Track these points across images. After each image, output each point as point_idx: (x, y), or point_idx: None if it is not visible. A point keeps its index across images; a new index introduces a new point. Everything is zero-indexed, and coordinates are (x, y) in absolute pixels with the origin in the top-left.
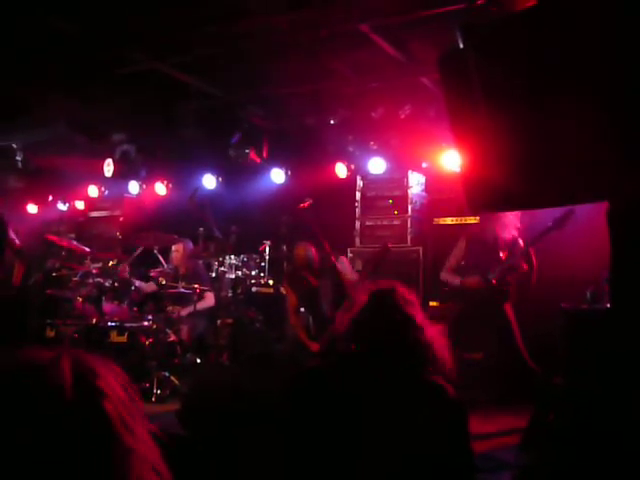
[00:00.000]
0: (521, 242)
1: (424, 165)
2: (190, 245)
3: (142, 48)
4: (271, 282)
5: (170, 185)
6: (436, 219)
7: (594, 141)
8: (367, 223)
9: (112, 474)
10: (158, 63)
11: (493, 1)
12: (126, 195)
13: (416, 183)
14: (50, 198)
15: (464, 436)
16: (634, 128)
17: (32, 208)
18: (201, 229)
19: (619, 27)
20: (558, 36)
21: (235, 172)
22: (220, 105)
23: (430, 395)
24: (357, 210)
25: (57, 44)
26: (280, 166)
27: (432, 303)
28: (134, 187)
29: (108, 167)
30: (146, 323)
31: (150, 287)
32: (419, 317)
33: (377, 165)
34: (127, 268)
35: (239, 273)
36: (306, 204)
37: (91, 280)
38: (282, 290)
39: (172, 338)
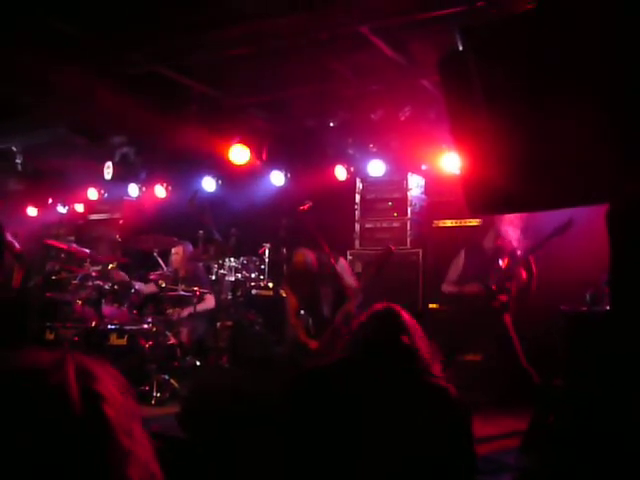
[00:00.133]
0: (520, 252)
1: (424, 167)
2: (190, 248)
3: (142, 51)
4: (271, 285)
5: (170, 188)
6: (436, 221)
7: (594, 141)
8: (367, 225)
9: (109, 477)
10: (158, 66)
11: (493, 3)
12: (126, 198)
13: (416, 185)
14: (50, 201)
15: (466, 437)
16: (634, 128)
17: (32, 211)
18: (201, 232)
19: (619, 27)
20: (558, 36)
21: (235, 175)
22: (220, 107)
23: (431, 396)
24: (357, 212)
25: (57, 45)
26: (280, 169)
27: (432, 306)
28: (134, 190)
29: (108, 170)
30: (146, 326)
31: (149, 288)
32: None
33: (377, 167)
34: (123, 272)
35: (239, 276)
36: (306, 206)
37: (91, 283)
38: (282, 292)
39: (172, 341)
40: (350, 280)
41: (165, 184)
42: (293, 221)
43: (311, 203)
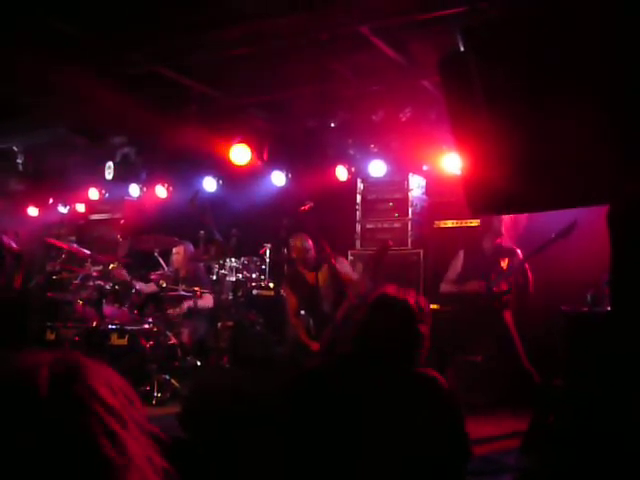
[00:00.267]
0: (519, 253)
1: (425, 168)
2: (191, 248)
3: (142, 51)
4: (272, 285)
5: (171, 188)
6: (437, 222)
7: (594, 141)
8: (368, 226)
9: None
10: (158, 66)
11: (493, 4)
12: (127, 198)
13: (417, 186)
14: (51, 201)
15: (463, 435)
16: (634, 128)
17: (33, 211)
18: (202, 232)
19: (619, 27)
20: (558, 36)
21: (236, 175)
22: (221, 108)
23: (428, 393)
24: (358, 213)
25: (57, 45)
26: (281, 169)
27: (432, 306)
28: (135, 190)
29: (109, 170)
30: (147, 326)
31: (150, 287)
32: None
33: (378, 168)
34: (123, 269)
35: (240, 276)
36: (307, 207)
37: (91, 283)
38: (282, 293)
39: (173, 341)
40: (351, 275)
41: (166, 184)
42: (294, 221)
43: (312, 203)
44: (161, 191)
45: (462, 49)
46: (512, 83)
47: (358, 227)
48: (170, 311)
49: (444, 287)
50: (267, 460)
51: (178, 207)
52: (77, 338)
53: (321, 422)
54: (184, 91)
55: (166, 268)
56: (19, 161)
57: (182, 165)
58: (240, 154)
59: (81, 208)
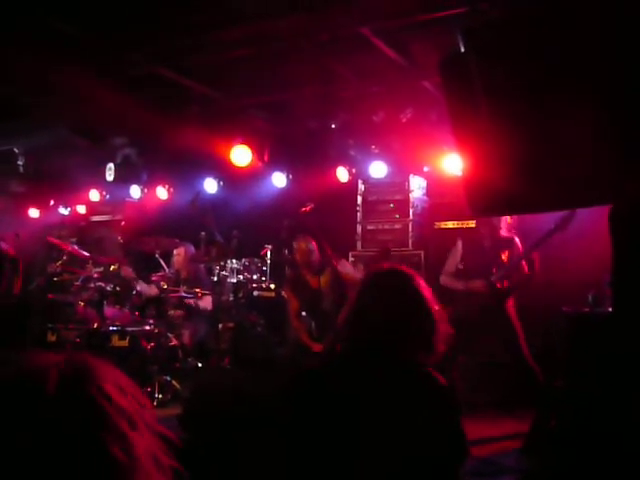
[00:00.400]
0: (518, 242)
1: (425, 169)
2: (192, 249)
3: (142, 51)
4: (273, 286)
5: (171, 189)
6: (437, 223)
7: (594, 140)
8: (368, 227)
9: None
10: (158, 66)
11: (494, 4)
12: (127, 199)
13: (417, 187)
14: (52, 202)
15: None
16: (634, 126)
17: (34, 212)
18: (202, 233)
19: (619, 26)
20: (558, 35)
21: (236, 176)
22: (221, 109)
23: (428, 392)
24: (358, 214)
25: (57, 45)
26: (281, 170)
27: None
28: (135, 191)
29: (109, 171)
30: (147, 327)
31: (152, 290)
32: (427, 301)
33: (378, 169)
34: (129, 267)
35: (240, 277)
36: (307, 208)
37: (92, 284)
38: (283, 294)
39: (173, 342)
40: (353, 275)
41: (167, 185)
42: (295, 223)
43: (313, 205)
44: (162, 192)
45: (463, 50)
46: (512, 83)
47: (359, 228)
48: (171, 312)
49: (444, 279)
50: (268, 461)
51: (179, 208)
52: (78, 340)
53: (321, 422)
54: (185, 92)
55: (167, 270)
56: (20, 163)
57: (183, 166)
58: (241, 155)
59: (82, 210)
